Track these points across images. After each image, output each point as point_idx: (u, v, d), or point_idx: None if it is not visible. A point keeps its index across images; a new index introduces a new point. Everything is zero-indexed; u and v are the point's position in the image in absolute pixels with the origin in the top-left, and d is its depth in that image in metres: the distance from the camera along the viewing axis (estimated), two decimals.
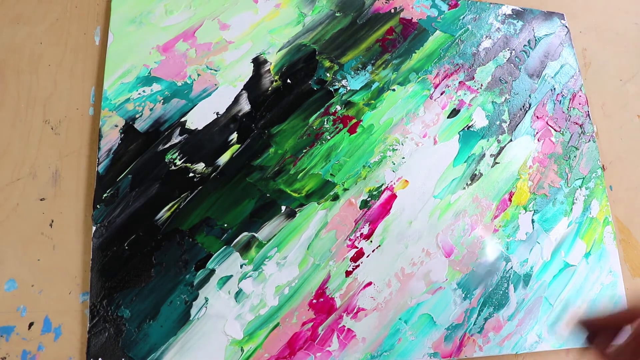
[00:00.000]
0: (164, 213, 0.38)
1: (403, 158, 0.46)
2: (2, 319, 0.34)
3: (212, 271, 0.38)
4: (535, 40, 0.55)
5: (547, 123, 0.52)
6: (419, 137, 0.47)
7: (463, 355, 0.42)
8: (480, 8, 0.53)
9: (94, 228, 0.37)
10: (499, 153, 0.49)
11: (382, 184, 0.44)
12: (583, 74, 0.56)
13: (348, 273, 0.41)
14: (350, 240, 0.42)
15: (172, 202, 0.39)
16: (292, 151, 0.43)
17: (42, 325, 0.34)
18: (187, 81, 0.42)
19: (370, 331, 0.40)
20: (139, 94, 0.41)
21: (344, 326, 0.40)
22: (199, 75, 0.42)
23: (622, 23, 0.61)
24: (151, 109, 0.40)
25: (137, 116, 0.40)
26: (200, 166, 0.40)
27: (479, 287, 0.44)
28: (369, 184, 0.44)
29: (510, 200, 0.48)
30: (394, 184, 0.45)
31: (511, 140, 0.50)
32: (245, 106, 0.43)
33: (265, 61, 0.44)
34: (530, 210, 0.48)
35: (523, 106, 0.51)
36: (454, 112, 0.49)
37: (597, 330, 0.32)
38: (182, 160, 0.40)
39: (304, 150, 0.43)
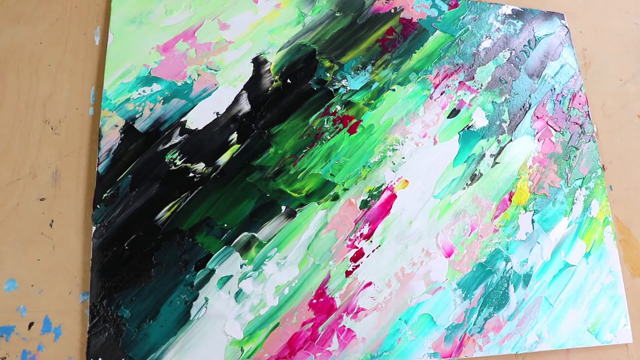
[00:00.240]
0: (164, 213, 0.38)
1: (403, 158, 0.46)
2: (2, 319, 0.34)
3: (212, 271, 0.38)
4: (535, 40, 0.55)
5: (547, 123, 0.52)
6: (419, 137, 0.47)
7: (463, 355, 0.42)
8: (480, 8, 0.53)
9: (94, 228, 0.37)
10: (499, 153, 0.49)
11: (382, 184, 0.44)
12: (583, 74, 0.56)
13: (348, 273, 0.41)
14: (350, 240, 0.42)
15: (172, 202, 0.39)
16: (292, 151, 0.43)
17: (42, 325, 0.34)
18: (187, 81, 0.42)
19: (370, 331, 0.40)
20: (139, 94, 0.41)
21: (344, 326, 0.40)
22: (199, 75, 0.42)
23: (622, 23, 0.61)
24: (151, 109, 0.40)
25: (137, 116, 0.40)
26: (200, 166, 0.40)
27: (479, 287, 0.44)
28: (369, 184, 0.44)
29: (510, 200, 0.48)
30: (394, 184, 0.45)
31: (511, 140, 0.50)
32: (245, 106, 0.43)
33: (265, 61, 0.44)
34: (530, 210, 0.48)
35: (523, 106, 0.51)
36: (454, 112, 0.49)
37: None
38: (182, 160, 0.40)
39: (304, 150, 0.43)
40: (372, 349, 0.40)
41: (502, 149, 0.49)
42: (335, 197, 0.43)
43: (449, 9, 0.52)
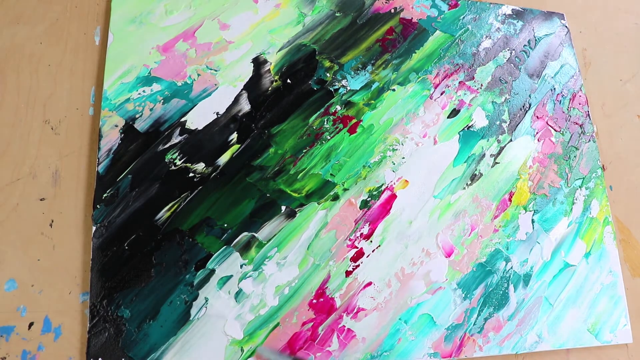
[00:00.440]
0: (164, 213, 0.38)
1: (403, 158, 0.46)
2: (2, 319, 0.34)
3: (212, 271, 0.38)
4: (535, 40, 0.55)
5: (547, 123, 0.52)
6: (419, 137, 0.47)
7: (463, 355, 0.42)
8: (480, 8, 0.53)
9: (94, 228, 0.37)
10: (499, 153, 0.49)
11: (382, 184, 0.44)
12: (583, 74, 0.56)
13: (348, 273, 0.41)
14: (350, 240, 0.42)
15: (172, 202, 0.39)
16: (292, 151, 0.43)
17: (42, 325, 0.34)
18: (187, 81, 0.42)
19: (370, 331, 0.40)
20: (139, 94, 0.41)
21: (344, 326, 0.40)
22: (199, 75, 0.42)
23: (622, 23, 0.61)
24: (151, 109, 0.40)
25: (137, 116, 0.40)
26: (200, 166, 0.40)
27: (479, 287, 0.44)
28: (369, 184, 0.44)
29: (510, 200, 0.48)
30: (394, 184, 0.45)
31: (511, 140, 0.50)
32: (245, 106, 0.43)
33: (265, 61, 0.44)
34: (530, 210, 0.48)
35: (523, 106, 0.51)
36: (454, 112, 0.49)
37: None
38: (182, 160, 0.40)
39: (304, 150, 0.43)
40: (372, 349, 0.40)
41: (502, 149, 0.49)
42: (335, 197, 0.43)
43: (449, 9, 0.52)
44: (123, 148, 0.39)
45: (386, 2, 0.50)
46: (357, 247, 0.42)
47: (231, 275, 0.39)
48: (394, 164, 0.45)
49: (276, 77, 0.44)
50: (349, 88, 0.46)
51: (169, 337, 0.36)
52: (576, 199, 0.50)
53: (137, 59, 0.41)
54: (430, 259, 0.44)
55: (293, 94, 0.44)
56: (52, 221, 0.37)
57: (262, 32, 0.45)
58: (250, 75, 0.44)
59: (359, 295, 0.41)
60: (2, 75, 0.39)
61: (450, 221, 0.45)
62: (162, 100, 0.41)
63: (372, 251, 0.42)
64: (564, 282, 0.47)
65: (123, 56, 0.41)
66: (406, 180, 0.45)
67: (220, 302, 0.38)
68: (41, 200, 0.37)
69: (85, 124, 0.40)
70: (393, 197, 0.44)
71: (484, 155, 0.48)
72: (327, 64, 0.46)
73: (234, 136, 0.42)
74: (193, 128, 0.41)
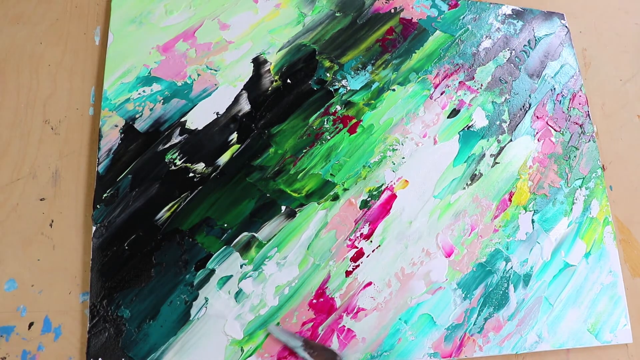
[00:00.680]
0: (164, 213, 0.38)
1: (403, 158, 0.46)
2: (2, 319, 0.34)
3: (212, 271, 0.38)
4: (535, 40, 0.55)
5: (547, 123, 0.52)
6: (419, 137, 0.47)
7: (463, 355, 0.42)
8: (480, 8, 0.53)
9: (94, 228, 0.37)
10: (499, 153, 0.49)
11: (382, 184, 0.44)
12: (583, 74, 0.56)
13: (348, 273, 0.41)
14: (350, 240, 0.42)
15: (172, 202, 0.39)
16: (292, 151, 0.43)
17: (42, 325, 0.34)
18: (187, 81, 0.42)
19: (370, 331, 0.40)
20: (139, 94, 0.41)
21: (344, 326, 0.40)
22: (199, 75, 0.42)
23: (622, 23, 0.61)
24: (151, 109, 0.40)
25: (137, 116, 0.40)
26: (200, 166, 0.40)
27: (479, 287, 0.44)
28: (369, 184, 0.44)
29: (510, 200, 0.48)
30: (394, 184, 0.45)
31: (511, 140, 0.50)
32: (245, 106, 0.43)
33: (265, 61, 0.44)
34: (530, 210, 0.48)
35: (523, 106, 0.51)
36: (454, 112, 0.49)
37: None
38: (182, 160, 0.40)
39: (304, 150, 0.43)
40: (372, 349, 0.40)
41: (502, 149, 0.49)
42: (335, 197, 0.43)
43: (449, 9, 0.52)
44: (123, 148, 0.39)
45: (386, 2, 0.50)
46: (357, 247, 0.42)
47: (231, 275, 0.39)
48: (394, 164, 0.45)
49: (276, 77, 0.44)
50: (349, 88, 0.46)
51: (169, 337, 0.36)
52: (576, 199, 0.50)
53: (137, 59, 0.41)
54: (430, 259, 0.44)
55: (293, 94, 0.44)
56: (52, 221, 0.37)
57: (262, 32, 0.45)
58: (250, 75, 0.44)
59: (359, 295, 0.41)
60: (2, 75, 0.39)
61: (450, 221, 0.45)
62: (162, 100, 0.41)
63: (372, 251, 0.42)
64: (564, 282, 0.47)
65: (123, 56, 0.41)
66: (406, 180, 0.45)
67: (220, 302, 0.38)
68: (41, 200, 0.37)
69: (85, 124, 0.40)
70: (393, 197, 0.44)
71: (484, 155, 0.48)
72: (327, 64, 0.46)
73: (234, 136, 0.42)
74: (193, 128, 0.41)
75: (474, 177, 0.47)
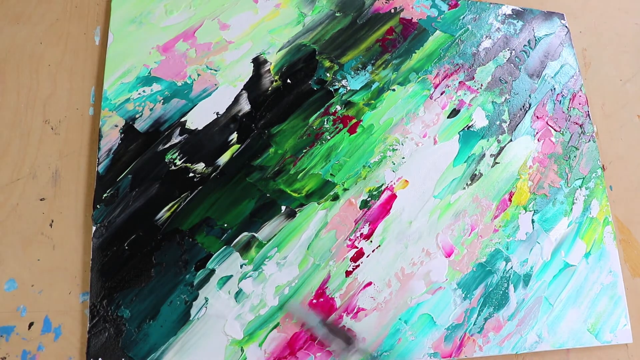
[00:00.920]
0: (164, 213, 0.38)
1: (403, 158, 0.46)
2: (2, 319, 0.34)
3: (212, 271, 0.38)
4: (535, 40, 0.55)
5: (547, 123, 0.52)
6: (419, 137, 0.47)
7: (463, 355, 0.42)
8: (480, 8, 0.53)
9: (94, 228, 0.37)
10: (499, 153, 0.49)
11: (382, 184, 0.44)
12: (583, 74, 0.56)
13: (348, 273, 0.41)
14: (350, 240, 0.42)
15: (172, 202, 0.39)
16: (292, 151, 0.43)
17: (42, 325, 0.34)
18: (187, 81, 0.42)
19: (370, 331, 0.40)
20: (139, 94, 0.41)
21: (344, 326, 0.40)
22: (199, 75, 0.42)
23: (622, 23, 0.61)
24: (151, 109, 0.40)
25: (137, 116, 0.40)
26: (200, 166, 0.40)
27: (479, 287, 0.44)
28: (369, 184, 0.44)
29: (510, 200, 0.48)
30: (394, 184, 0.45)
31: (511, 140, 0.50)
32: (245, 106, 0.43)
33: (265, 61, 0.44)
34: (530, 210, 0.48)
35: (523, 106, 0.51)
36: (454, 112, 0.49)
37: None
38: (182, 160, 0.40)
39: (304, 150, 0.43)
40: (372, 349, 0.40)
41: (502, 149, 0.49)
42: (335, 197, 0.43)
43: (449, 9, 0.52)
44: (123, 148, 0.39)
45: (386, 2, 0.50)
46: (357, 247, 0.42)
47: (231, 275, 0.39)
48: (394, 164, 0.45)
49: (276, 77, 0.44)
50: (349, 88, 0.46)
51: (169, 337, 0.36)
52: (576, 199, 0.50)
53: (137, 59, 0.41)
54: (430, 259, 0.44)
55: (293, 94, 0.44)
56: (52, 221, 0.37)
57: (262, 32, 0.45)
58: (250, 75, 0.44)
59: (359, 295, 0.41)
60: (2, 75, 0.39)
61: (450, 221, 0.45)
62: (162, 100, 0.41)
63: (372, 251, 0.42)
64: (564, 282, 0.47)
65: (123, 56, 0.41)
66: (406, 180, 0.45)
67: (220, 302, 0.38)
68: (41, 200, 0.37)
69: (85, 124, 0.40)
70: (393, 197, 0.44)
71: (484, 155, 0.48)
72: (327, 64, 0.46)
73: (234, 136, 0.42)
74: (193, 128, 0.41)
75: (474, 177, 0.47)
